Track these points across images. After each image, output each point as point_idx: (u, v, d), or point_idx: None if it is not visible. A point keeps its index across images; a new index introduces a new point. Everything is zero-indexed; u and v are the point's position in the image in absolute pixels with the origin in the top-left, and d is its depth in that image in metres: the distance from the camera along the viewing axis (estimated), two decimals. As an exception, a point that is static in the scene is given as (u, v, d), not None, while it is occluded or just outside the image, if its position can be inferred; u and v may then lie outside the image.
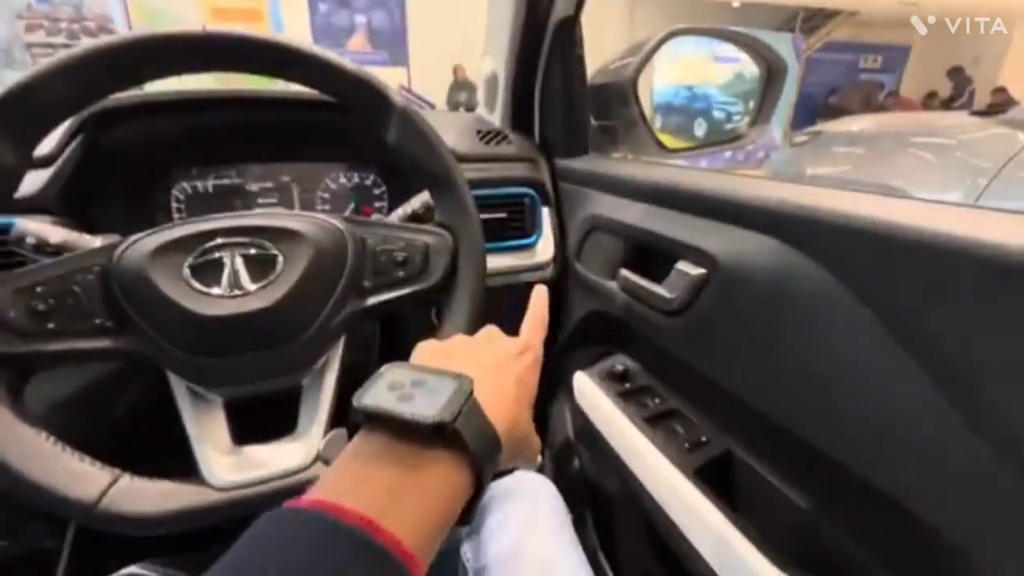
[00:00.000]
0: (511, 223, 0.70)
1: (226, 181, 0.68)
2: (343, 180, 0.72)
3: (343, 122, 0.69)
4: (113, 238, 0.42)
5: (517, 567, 0.46)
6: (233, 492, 0.36)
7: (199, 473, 0.37)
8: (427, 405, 0.24)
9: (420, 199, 0.53)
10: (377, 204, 0.74)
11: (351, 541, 0.20)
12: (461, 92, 5.66)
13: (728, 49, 1.10)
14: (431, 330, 0.46)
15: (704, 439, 0.52)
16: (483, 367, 0.31)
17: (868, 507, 0.36)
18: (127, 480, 0.36)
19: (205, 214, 0.54)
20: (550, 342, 0.79)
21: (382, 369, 0.27)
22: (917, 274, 0.30)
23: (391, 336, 0.70)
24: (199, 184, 0.66)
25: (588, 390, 0.64)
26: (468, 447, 0.24)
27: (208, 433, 0.39)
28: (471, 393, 0.25)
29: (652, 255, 0.56)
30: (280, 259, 0.40)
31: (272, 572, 0.18)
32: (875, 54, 8.82)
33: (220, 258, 0.39)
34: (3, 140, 0.35)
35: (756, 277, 0.41)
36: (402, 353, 0.31)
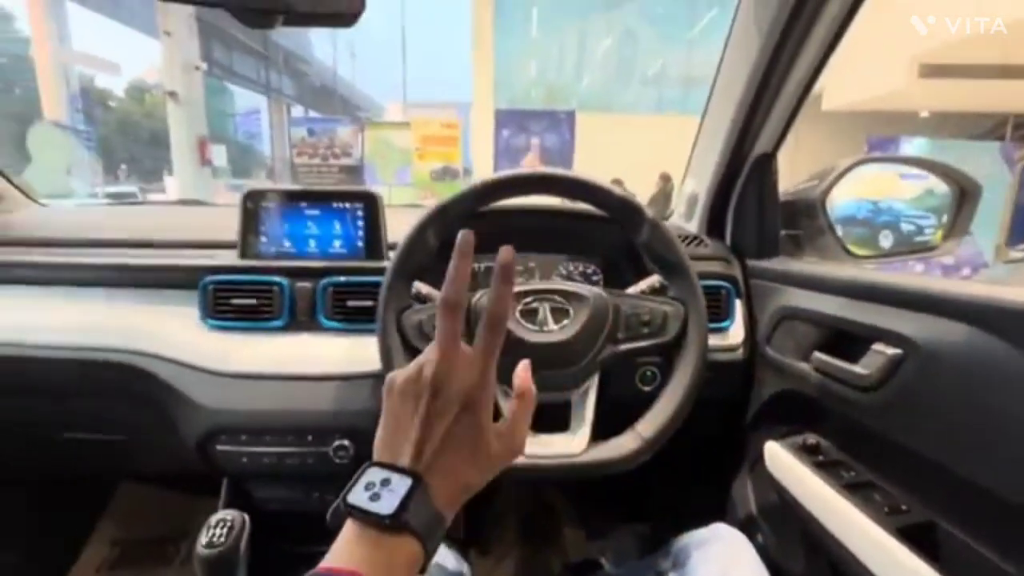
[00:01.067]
0: (709, 310, 0.85)
1: (489, 264, 0.95)
2: (571, 268, 0.96)
3: (572, 228, 0.94)
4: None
5: None
6: (535, 460, 0.55)
7: None
8: (388, 504, 0.32)
9: (648, 282, 0.72)
10: None
11: None
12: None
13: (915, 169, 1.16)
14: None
15: (904, 507, 0.56)
16: (432, 446, 0.36)
17: None
18: None
19: (474, 290, 0.81)
20: (737, 420, 0.88)
21: (362, 469, 0.35)
22: None
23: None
24: (476, 266, 0.94)
25: (783, 460, 0.71)
26: (416, 530, 0.33)
27: (516, 421, 0.58)
28: (423, 490, 0.34)
29: (845, 340, 0.66)
30: (571, 311, 0.61)
31: None
32: None
33: (536, 307, 0.61)
34: (434, 232, 0.63)
35: (955, 358, 0.49)
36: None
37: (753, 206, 0.88)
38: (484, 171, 7.74)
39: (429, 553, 0.35)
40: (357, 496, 0.33)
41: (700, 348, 0.61)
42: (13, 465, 1.04)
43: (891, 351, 0.56)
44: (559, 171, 0.64)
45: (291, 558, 0.88)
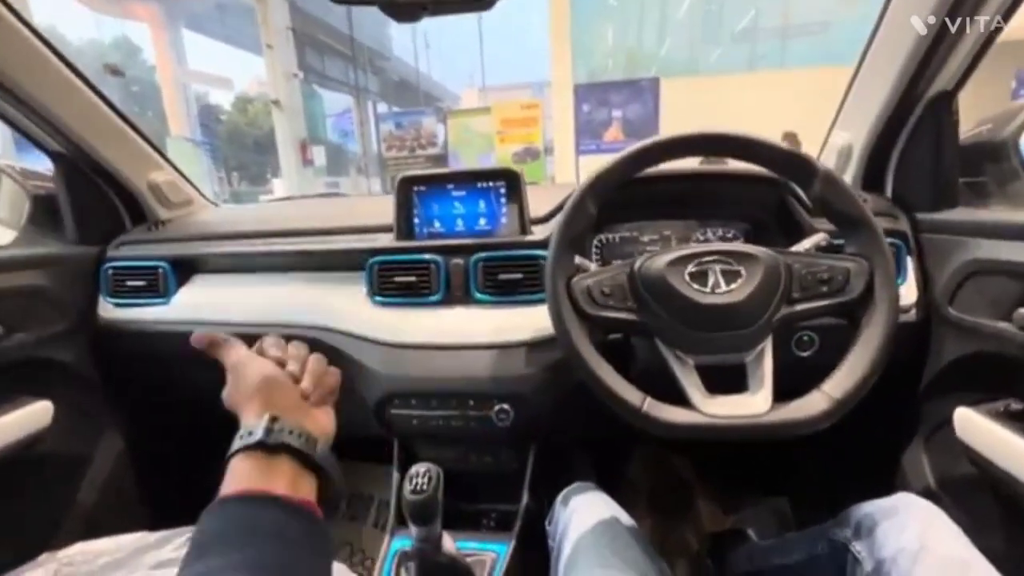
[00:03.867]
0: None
1: (626, 234, 0.95)
2: (709, 234, 0.93)
3: (714, 190, 0.91)
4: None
5: (929, 563, 0.50)
6: (722, 420, 0.55)
7: (694, 407, 0.57)
8: (254, 437, 0.42)
9: (813, 240, 0.68)
10: None
11: (247, 499, 0.39)
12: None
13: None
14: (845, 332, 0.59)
15: None
16: (277, 399, 0.47)
17: None
18: (651, 399, 0.57)
19: (611, 259, 0.80)
20: (907, 387, 0.81)
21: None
22: None
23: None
24: (610, 236, 0.95)
25: (982, 428, 0.65)
26: (288, 444, 0.42)
27: (691, 383, 0.59)
28: (274, 420, 0.43)
29: None
30: (743, 272, 0.59)
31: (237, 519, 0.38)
32: None
33: (706, 269, 0.60)
34: (593, 201, 0.64)
35: None
36: None
37: (926, 152, 0.79)
38: (565, 149, 7.64)
39: (310, 454, 0.43)
40: (235, 445, 0.43)
41: (891, 304, 0.57)
42: (221, 424, 1.23)
43: None
44: (718, 130, 0.62)
45: (452, 513, 0.96)
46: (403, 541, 0.80)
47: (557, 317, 0.61)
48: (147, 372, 1.05)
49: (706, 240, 0.93)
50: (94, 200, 1.02)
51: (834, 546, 0.62)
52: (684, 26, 10.15)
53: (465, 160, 7.28)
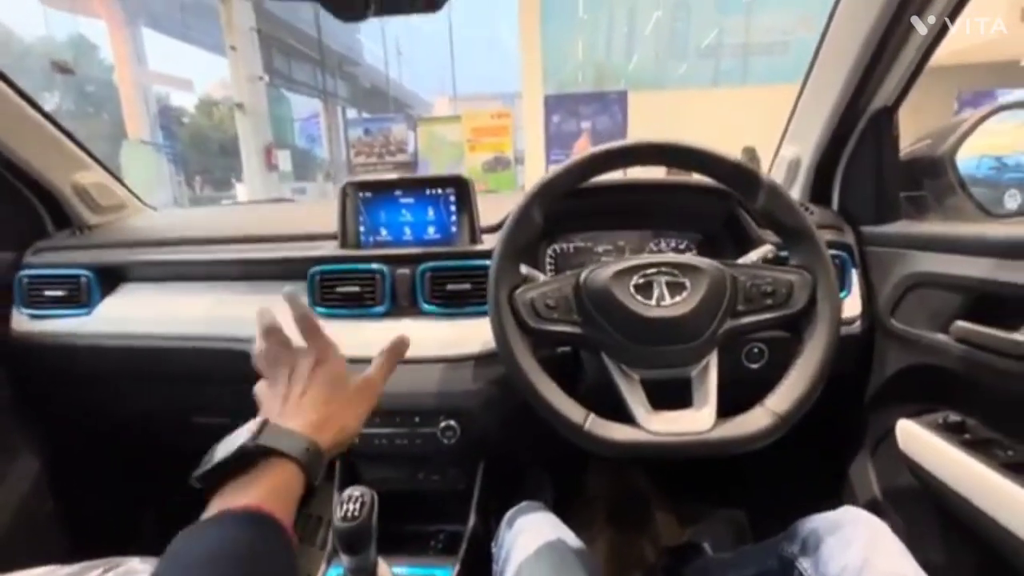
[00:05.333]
0: (821, 281, 0.79)
1: (580, 244, 0.93)
2: (663, 245, 0.92)
3: (666, 201, 0.90)
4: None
5: None
6: (664, 437, 0.53)
7: (637, 423, 0.55)
8: (240, 439, 0.37)
9: (760, 252, 0.68)
10: None
11: (229, 514, 0.34)
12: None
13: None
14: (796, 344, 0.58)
15: None
16: (286, 398, 0.45)
17: None
18: (594, 417, 0.55)
19: (565, 270, 0.79)
20: (852, 399, 0.82)
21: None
22: None
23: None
24: (564, 246, 0.93)
25: (921, 440, 0.65)
26: (275, 448, 0.38)
27: (636, 399, 0.57)
28: (263, 424, 0.39)
29: (998, 306, 0.59)
30: (688, 284, 0.58)
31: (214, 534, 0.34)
32: None
33: (652, 281, 0.59)
34: (538, 209, 0.62)
35: None
36: None
37: (869, 167, 0.81)
38: (536, 159, 7.69)
39: (305, 468, 0.39)
40: (212, 459, 0.38)
41: (833, 317, 0.56)
42: (150, 446, 1.15)
43: None
44: (666, 140, 0.61)
45: (398, 536, 0.91)
46: (338, 569, 0.75)
47: (499, 330, 0.59)
48: (67, 390, 0.97)
49: (659, 251, 0.92)
50: (8, 202, 0.94)
51: (783, 562, 0.61)
52: (652, 41, 10.42)
53: (435, 168, 7.20)
